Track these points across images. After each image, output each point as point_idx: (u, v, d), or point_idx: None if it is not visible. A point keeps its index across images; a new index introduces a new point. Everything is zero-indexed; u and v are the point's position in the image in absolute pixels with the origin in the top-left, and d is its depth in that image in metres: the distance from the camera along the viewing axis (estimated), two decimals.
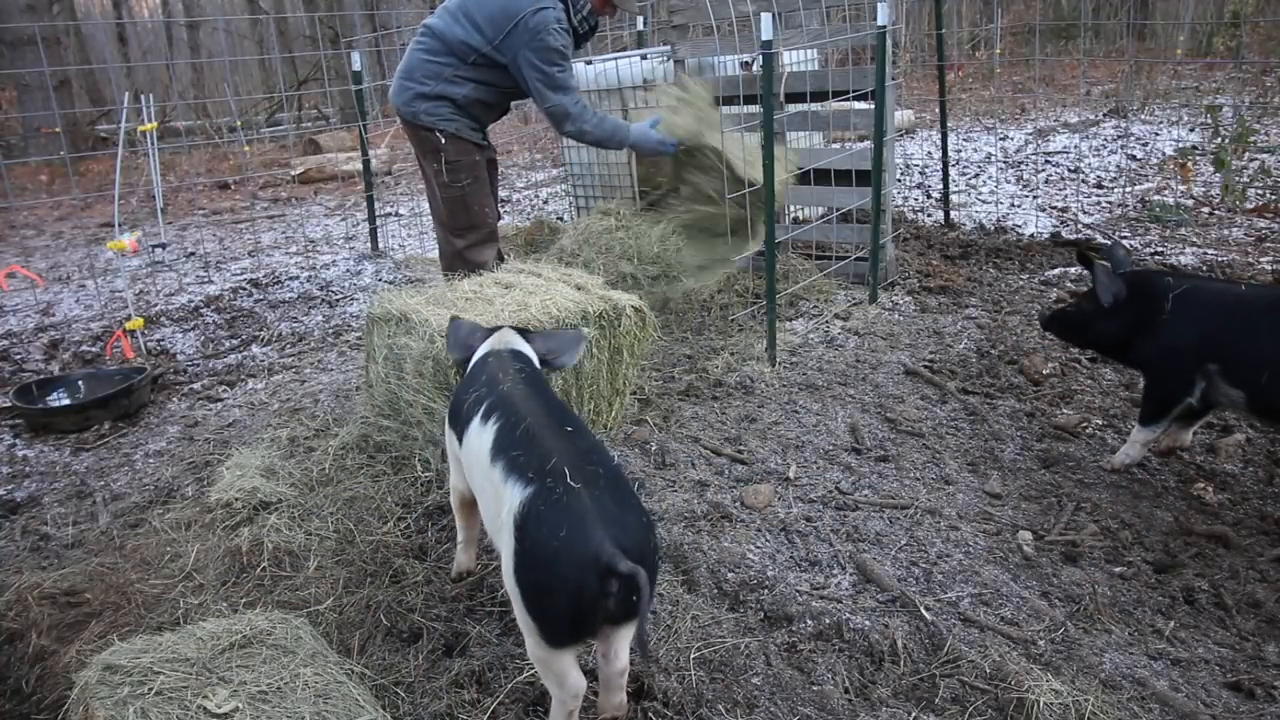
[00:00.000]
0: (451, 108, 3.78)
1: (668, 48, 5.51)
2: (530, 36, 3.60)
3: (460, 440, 2.11)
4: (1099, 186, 6.73)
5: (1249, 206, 5.62)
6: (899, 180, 7.16)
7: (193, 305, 5.21)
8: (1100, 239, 5.27)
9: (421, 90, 3.75)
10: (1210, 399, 2.67)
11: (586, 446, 1.85)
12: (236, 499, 2.86)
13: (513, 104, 4.73)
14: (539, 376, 2.18)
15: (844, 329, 4.24)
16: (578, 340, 2.42)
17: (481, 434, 1.96)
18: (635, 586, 1.60)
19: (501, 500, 1.79)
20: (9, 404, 3.87)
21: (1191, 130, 7.98)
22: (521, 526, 1.69)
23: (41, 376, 4.21)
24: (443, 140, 3.79)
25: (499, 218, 4.04)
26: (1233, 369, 2.56)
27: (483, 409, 2.01)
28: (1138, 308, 2.76)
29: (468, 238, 3.95)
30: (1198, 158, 6.45)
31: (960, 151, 8.19)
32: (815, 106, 4.82)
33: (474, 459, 1.99)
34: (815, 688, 2.00)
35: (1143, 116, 9.05)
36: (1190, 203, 5.76)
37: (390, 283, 5.55)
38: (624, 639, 1.76)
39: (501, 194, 4.03)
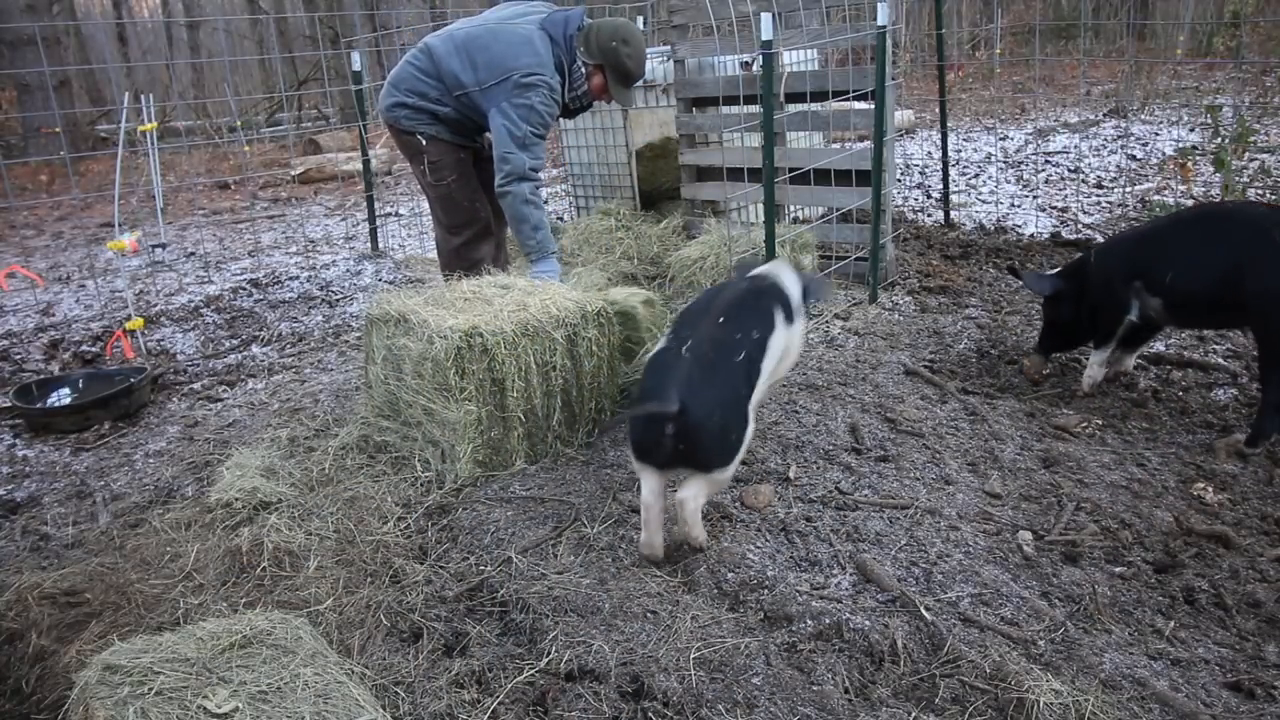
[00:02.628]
0: (430, 118, 3.85)
1: (668, 48, 5.52)
2: (516, 91, 3.62)
3: None
4: (1099, 186, 6.74)
5: None
6: (899, 180, 7.16)
7: (193, 305, 5.21)
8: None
9: (405, 101, 3.83)
10: (1143, 312, 3.25)
11: (722, 340, 2.45)
12: (236, 499, 2.86)
13: None
14: (762, 297, 2.71)
15: (844, 329, 4.24)
16: (826, 284, 3.17)
17: None
18: (685, 434, 2.24)
19: None
20: (9, 404, 3.87)
21: (1191, 130, 7.98)
22: (646, 366, 2.52)
23: (41, 376, 4.21)
24: (423, 142, 3.85)
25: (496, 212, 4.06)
26: (1149, 280, 3.17)
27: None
28: (1072, 279, 3.43)
29: (463, 234, 4.00)
30: (1198, 158, 6.45)
31: (960, 151, 8.19)
32: (815, 106, 4.82)
33: None
34: (815, 688, 2.00)
35: (1143, 116, 9.06)
36: (1190, 203, 5.76)
37: (390, 283, 5.55)
38: (689, 482, 2.40)
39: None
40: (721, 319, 2.50)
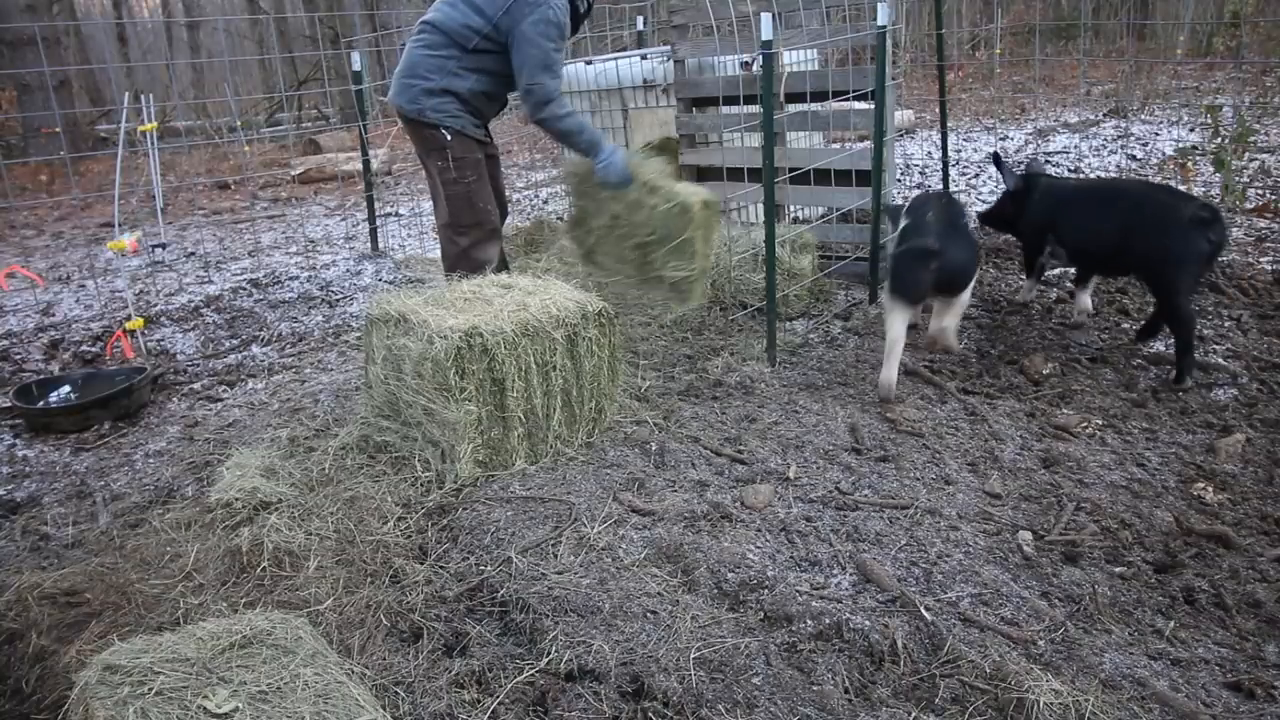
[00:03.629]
0: (456, 103, 3.76)
1: (668, 48, 5.51)
2: (530, 9, 3.54)
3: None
4: None
5: (1249, 206, 5.62)
6: (899, 180, 7.16)
7: (193, 305, 5.21)
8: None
9: (427, 86, 3.72)
10: (1053, 255, 4.09)
11: (950, 212, 3.63)
12: (236, 499, 2.86)
13: (513, 103, 4.75)
14: (954, 199, 3.97)
15: (844, 329, 4.24)
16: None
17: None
18: (943, 267, 3.33)
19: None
20: (9, 404, 3.87)
21: (1191, 130, 7.97)
22: (905, 232, 3.59)
23: (41, 376, 4.21)
24: (448, 137, 3.77)
25: (506, 215, 4.03)
26: (1058, 233, 3.95)
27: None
28: (1021, 197, 4.06)
29: (471, 235, 3.93)
30: (1198, 158, 6.44)
31: (960, 151, 8.19)
32: (815, 106, 4.82)
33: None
34: (815, 688, 2.00)
35: (1143, 116, 9.05)
36: None
37: (390, 283, 5.55)
38: (946, 311, 3.56)
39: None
40: (944, 202, 3.71)
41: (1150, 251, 3.51)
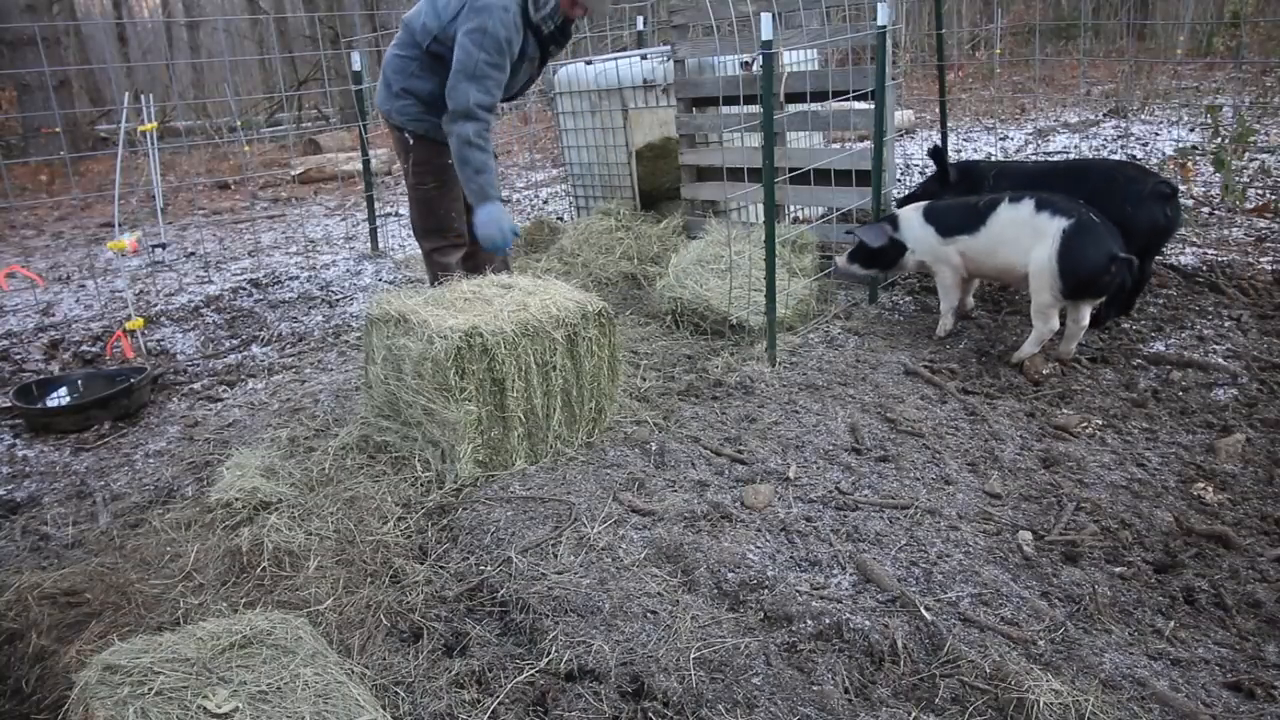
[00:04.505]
0: (418, 106, 3.71)
1: (668, 48, 5.51)
2: (474, 15, 3.40)
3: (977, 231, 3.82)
4: None
5: (1249, 206, 5.62)
6: (899, 180, 7.16)
7: (193, 305, 5.21)
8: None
9: (393, 87, 3.73)
10: None
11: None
12: (236, 499, 2.86)
13: (513, 103, 4.76)
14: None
15: (844, 329, 4.24)
16: None
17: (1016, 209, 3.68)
18: (1128, 278, 3.51)
19: (1042, 232, 3.55)
20: (9, 404, 3.87)
21: (1191, 130, 7.97)
22: (1067, 234, 3.48)
23: (41, 376, 4.21)
24: (410, 141, 3.75)
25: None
26: None
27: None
28: (966, 182, 4.31)
29: (433, 240, 3.92)
30: (1198, 158, 6.44)
31: (960, 151, 8.19)
32: (815, 106, 4.82)
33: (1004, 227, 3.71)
34: (815, 688, 2.00)
35: (1143, 116, 9.05)
36: (1190, 203, 5.76)
37: (390, 283, 5.55)
38: (1087, 311, 3.66)
39: (502, 194, 3.98)
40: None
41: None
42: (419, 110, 3.72)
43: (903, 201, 4.51)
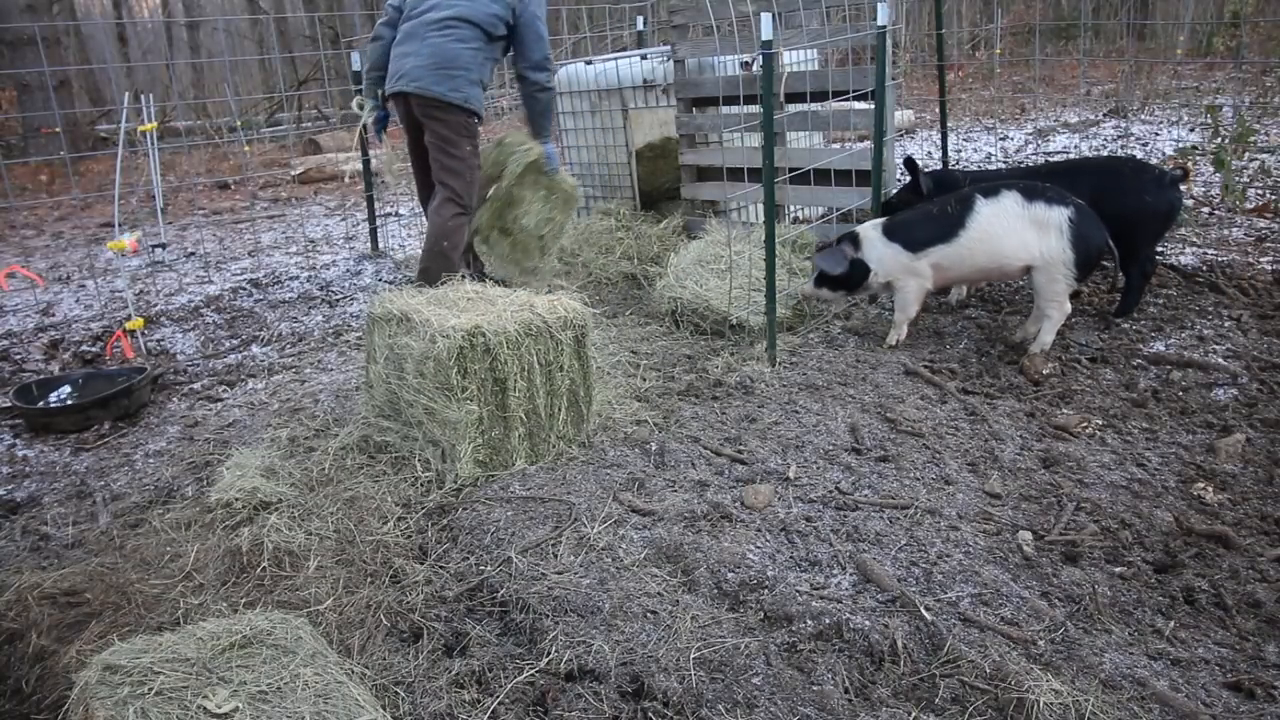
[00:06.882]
0: (482, 91, 4.32)
1: (668, 48, 5.51)
2: None
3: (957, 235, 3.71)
4: None
5: (1249, 206, 5.62)
6: (899, 180, 7.15)
7: (193, 305, 5.21)
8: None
9: (470, 77, 4.22)
10: None
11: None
12: (236, 499, 2.86)
13: (513, 103, 5.21)
14: None
15: (844, 329, 4.24)
16: None
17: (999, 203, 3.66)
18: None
19: (1044, 222, 3.58)
20: (9, 404, 3.87)
21: (1191, 130, 7.97)
22: (1074, 222, 3.54)
23: (41, 376, 4.21)
24: (475, 122, 4.30)
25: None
26: None
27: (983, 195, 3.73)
28: (940, 191, 4.19)
29: (468, 214, 4.41)
30: (1198, 158, 6.44)
31: (960, 151, 8.19)
32: (815, 106, 4.82)
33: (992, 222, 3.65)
34: (815, 688, 2.01)
35: (1143, 116, 9.05)
36: (1190, 203, 5.76)
37: (390, 283, 5.55)
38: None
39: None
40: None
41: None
42: (481, 94, 4.30)
43: (884, 207, 4.47)
